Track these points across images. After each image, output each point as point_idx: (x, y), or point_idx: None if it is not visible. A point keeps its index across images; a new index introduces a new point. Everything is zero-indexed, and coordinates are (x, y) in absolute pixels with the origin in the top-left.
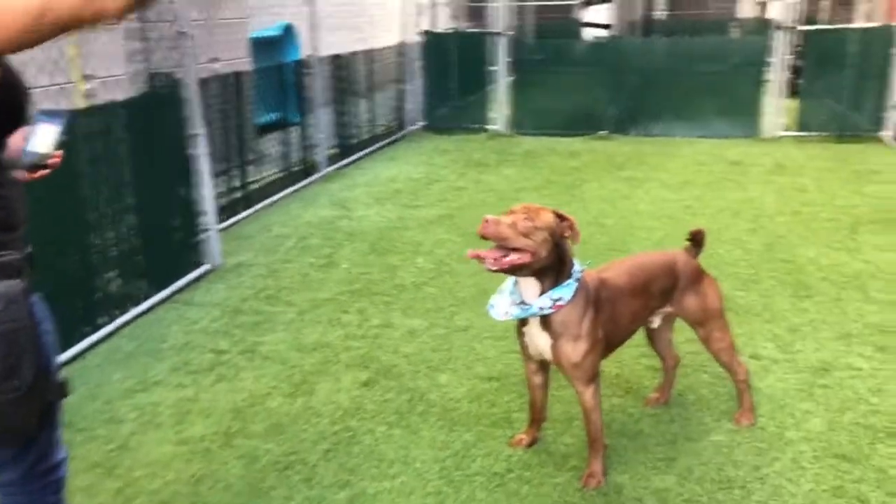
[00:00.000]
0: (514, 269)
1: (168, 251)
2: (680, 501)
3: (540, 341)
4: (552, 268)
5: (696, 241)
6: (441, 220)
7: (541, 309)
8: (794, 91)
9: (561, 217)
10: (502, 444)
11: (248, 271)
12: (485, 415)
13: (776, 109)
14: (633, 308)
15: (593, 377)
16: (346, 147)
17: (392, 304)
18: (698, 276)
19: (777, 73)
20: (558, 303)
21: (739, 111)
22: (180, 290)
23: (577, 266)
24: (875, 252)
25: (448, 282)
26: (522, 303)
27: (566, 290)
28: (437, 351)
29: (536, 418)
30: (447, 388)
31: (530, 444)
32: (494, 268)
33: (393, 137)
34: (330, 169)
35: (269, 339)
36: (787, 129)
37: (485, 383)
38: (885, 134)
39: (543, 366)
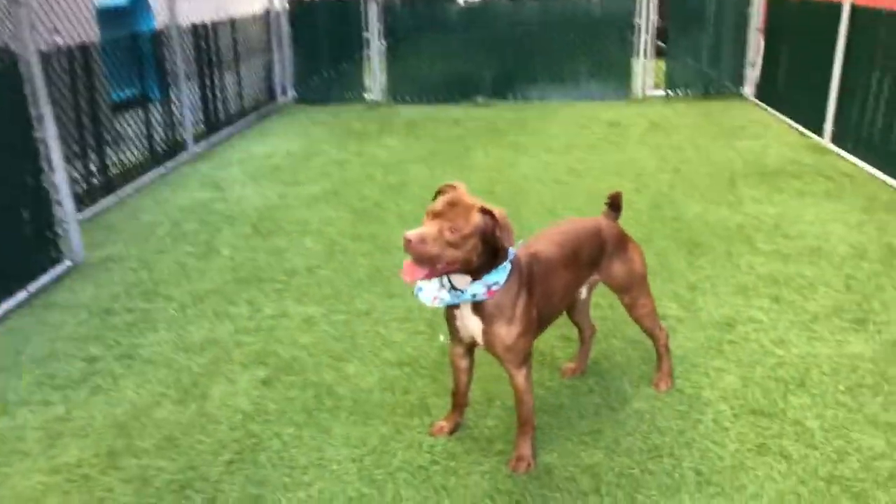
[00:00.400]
0: (447, 273)
1: (18, 247)
2: (612, 476)
3: (471, 325)
4: (485, 263)
5: (615, 204)
6: (326, 197)
7: (474, 296)
8: (660, 52)
9: (488, 213)
10: (422, 434)
11: (117, 265)
12: (399, 404)
13: (644, 70)
14: (566, 281)
15: (526, 359)
16: (214, 123)
17: (284, 292)
18: (623, 241)
19: (644, 35)
20: (492, 288)
21: (611, 73)
22: (38, 292)
23: (511, 249)
24: (754, 205)
25: (342, 262)
26: (454, 288)
27: (500, 275)
28: (340, 339)
29: (460, 403)
30: (355, 378)
31: (452, 431)
32: (419, 281)
33: (264, 111)
34: (198, 148)
35: (149, 340)
36: (656, 89)
37: (395, 370)
38: (746, 90)
39: (470, 349)
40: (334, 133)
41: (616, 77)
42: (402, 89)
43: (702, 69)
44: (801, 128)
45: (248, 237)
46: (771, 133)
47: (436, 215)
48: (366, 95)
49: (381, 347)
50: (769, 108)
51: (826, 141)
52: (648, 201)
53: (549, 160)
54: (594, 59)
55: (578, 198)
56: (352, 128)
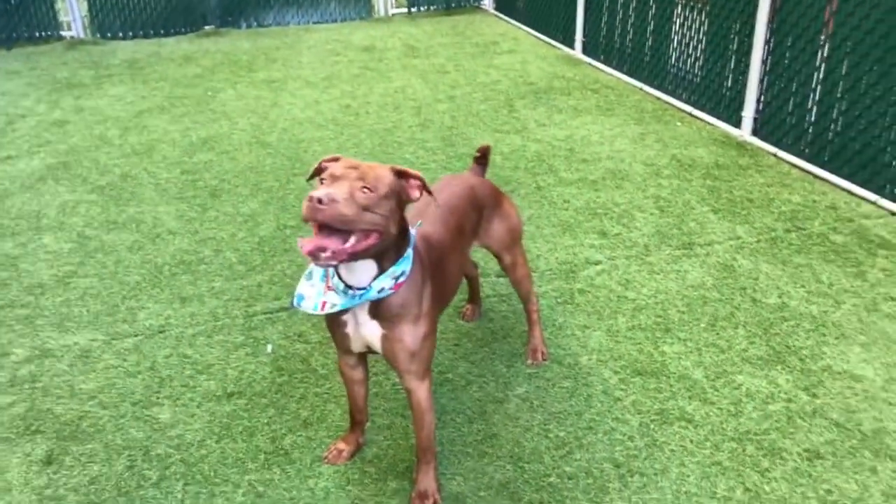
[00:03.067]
0: (356, 256)
1: None
2: (531, 491)
3: (368, 331)
4: (396, 242)
5: (484, 157)
6: (54, 174)
7: (380, 292)
8: None
9: (403, 174)
10: (294, 490)
11: None
12: (247, 454)
13: None
14: (457, 265)
15: (428, 367)
16: None
17: (34, 319)
18: (497, 197)
19: None
20: (399, 280)
21: None
22: None
23: (412, 230)
24: (541, 129)
25: (105, 264)
26: (350, 288)
27: (406, 263)
28: (136, 375)
29: (359, 420)
30: (175, 428)
31: (353, 454)
32: (334, 262)
33: None
34: None
35: None
36: (398, 7)
37: (224, 405)
38: (485, 2)
39: (363, 357)
40: (36, 85)
41: None
42: (110, 20)
43: None
44: (549, 40)
45: None
46: (523, 47)
47: (335, 178)
48: (64, 32)
49: (194, 376)
50: (511, 21)
51: (578, 53)
52: (439, 138)
53: (315, 97)
54: None
55: (366, 141)
56: (58, 76)
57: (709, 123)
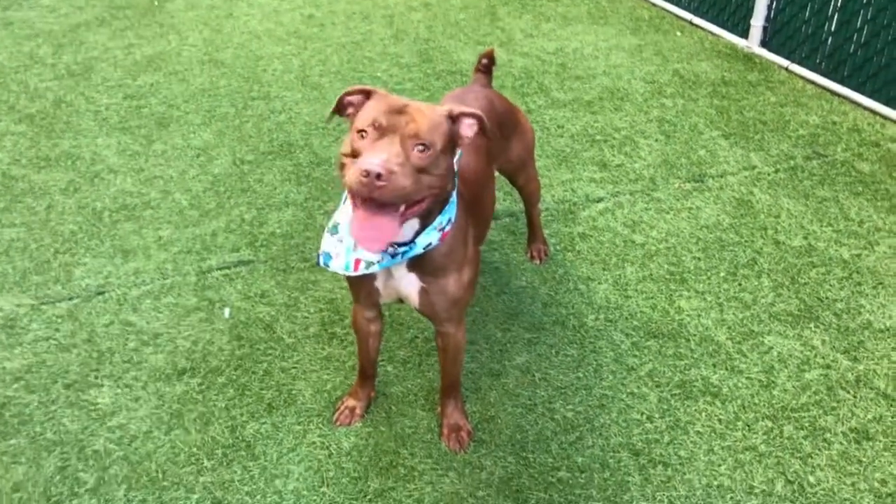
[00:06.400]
0: (408, 219)
1: None
2: (539, 490)
3: (404, 284)
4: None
5: (489, 64)
6: None
7: (427, 247)
8: None
9: (457, 116)
10: (265, 483)
11: None
12: (203, 448)
13: None
14: (492, 192)
15: (466, 308)
16: None
17: None
18: (513, 111)
19: None
20: (445, 229)
21: None
22: None
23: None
24: (528, 41)
25: (35, 210)
26: (391, 244)
27: (451, 209)
28: (70, 349)
29: (370, 374)
30: (116, 416)
31: (366, 410)
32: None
33: None
34: None
35: None
36: None
37: (176, 384)
38: None
39: (380, 308)
40: None
41: None
42: None
43: None
44: None
45: None
46: None
47: (381, 130)
48: None
49: (139, 349)
50: None
51: None
52: (415, 52)
53: (274, 5)
54: None
55: (332, 56)
56: None
57: (712, 33)
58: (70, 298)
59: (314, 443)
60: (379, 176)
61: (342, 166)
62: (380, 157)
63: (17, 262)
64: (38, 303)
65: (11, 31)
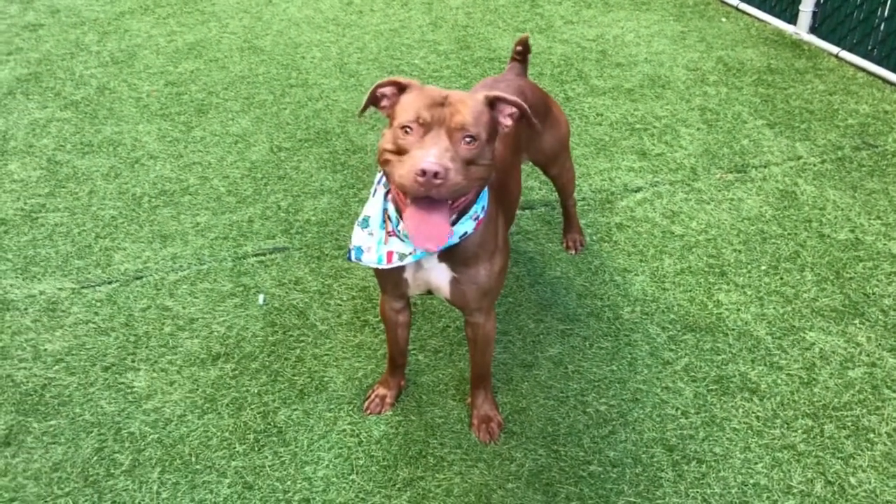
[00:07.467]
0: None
1: None
2: (569, 483)
3: (435, 275)
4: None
5: (524, 52)
6: (24, 86)
7: (463, 236)
8: None
9: (496, 102)
10: (296, 469)
11: None
12: (236, 433)
13: None
14: (518, 181)
15: (497, 298)
16: None
17: None
18: (547, 102)
19: None
20: (480, 217)
21: None
22: None
23: None
24: (568, 28)
25: (77, 195)
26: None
27: (484, 197)
28: (109, 332)
29: (400, 363)
30: (152, 400)
31: (397, 399)
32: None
33: None
34: None
35: None
36: None
37: (210, 369)
38: None
39: (408, 300)
40: None
41: None
42: None
43: None
44: None
45: None
46: None
47: (426, 125)
48: None
49: (175, 334)
50: None
51: None
52: (452, 40)
53: None
54: None
55: (371, 44)
56: None
57: (758, 19)
58: (109, 282)
59: (344, 430)
60: (436, 174)
61: (386, 162)
62: (433, 154)
63: (59, 246)
64: (78, 286)
65: (59, 19)
